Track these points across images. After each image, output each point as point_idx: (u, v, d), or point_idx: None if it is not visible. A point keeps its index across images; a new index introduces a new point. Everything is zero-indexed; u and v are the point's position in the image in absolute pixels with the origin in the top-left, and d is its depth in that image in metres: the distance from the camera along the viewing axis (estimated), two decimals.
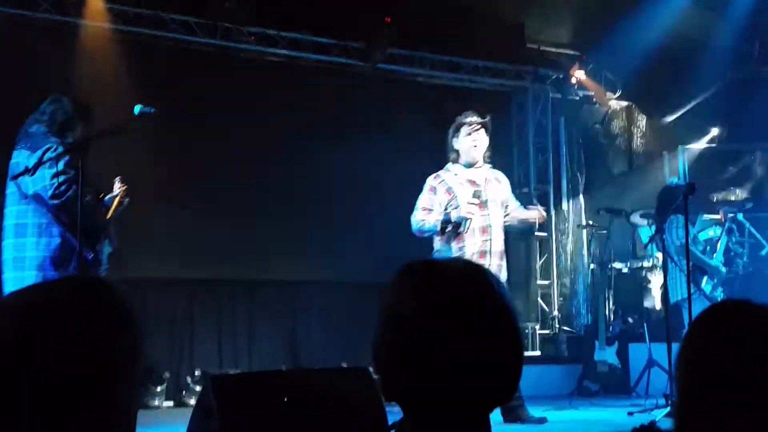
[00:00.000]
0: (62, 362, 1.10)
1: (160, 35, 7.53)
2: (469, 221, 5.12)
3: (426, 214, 5.18)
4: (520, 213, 5.44)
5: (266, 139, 7.69)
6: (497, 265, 5.17)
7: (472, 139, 5.25)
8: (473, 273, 1.31)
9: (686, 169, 8.96)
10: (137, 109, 4.75)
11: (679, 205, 5.99)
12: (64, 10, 7.16)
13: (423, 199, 5.24)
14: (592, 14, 8.09)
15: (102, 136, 4.59)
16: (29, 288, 1.23)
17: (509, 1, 7.92)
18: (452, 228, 5.13)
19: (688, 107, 8.65)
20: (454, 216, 5.10)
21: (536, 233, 9.22)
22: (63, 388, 1.10)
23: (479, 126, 5.27)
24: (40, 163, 4.41)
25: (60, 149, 4.47)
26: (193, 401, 5.93)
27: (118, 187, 4.78)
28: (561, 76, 9.33)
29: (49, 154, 4.44)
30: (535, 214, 5.37)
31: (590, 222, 9.23)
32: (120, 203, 4.75)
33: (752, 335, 1.26)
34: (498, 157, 5.47)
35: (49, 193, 4.40)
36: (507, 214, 5.39)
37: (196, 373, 7.12)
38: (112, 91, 6.08)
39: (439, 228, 5.14)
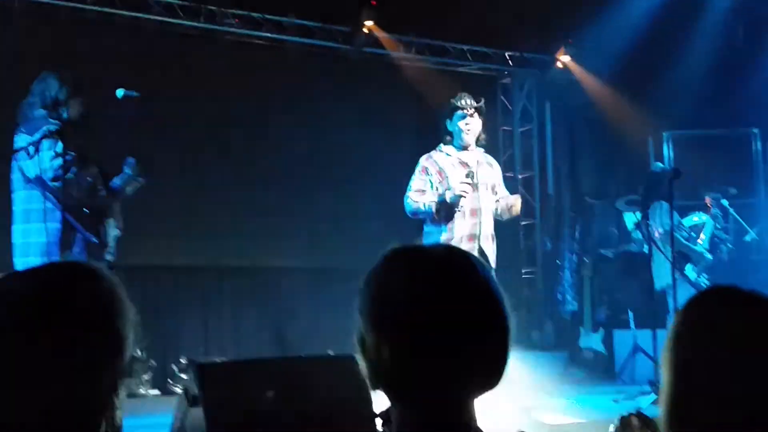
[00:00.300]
0: (49, 348, 1.10)
1: (143, 17, 7.45)
2: (476, 172, 5.11)
3: (420, 195, 5.15)
4: (503, 201, 5.40)
5: (250, 123, 7.63)
6: (488, 248, 5.16)
7: (465, 123, 5.23)
8: (457, 258, 1.30)
9: (671, 154, 8.98)
10: (120, 92, 4.77)
11: (664, 190, 6.02)
12: None
13: (416, 181, 5.20)
14: None
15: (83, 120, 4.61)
16: (15, 274, 1.21)
17: None
18: (447, 209, 5.10)
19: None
20: (448, 197, 5.08)
21: (521, 221, 9.24)
22: (50, 375, 1.09)
23: (473, 110, 5.25)
24: (38, 146, 4.46)
25: (54, 128, 4.50)
26: (179, 389, 5.91)
27: (130, 169, 4.76)
28: (546, 60, 9.33)
29: (42, 135, 4.47)
30: (512, 200, 5.34)
31: (576, 207, 9.25)
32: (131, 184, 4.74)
33: (740, 321, 1.25)
34: (484, 143, 5.43)
35: (49, 175, 4.41)
36: (496, 201, 5.38)
37: (182, 361, 7.09)
38: (96, 74, 6.00)
39: (434, 209, 5.10)
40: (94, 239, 4.58)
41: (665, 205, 6.42)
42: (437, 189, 5.14)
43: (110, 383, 1.15)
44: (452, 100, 5.29)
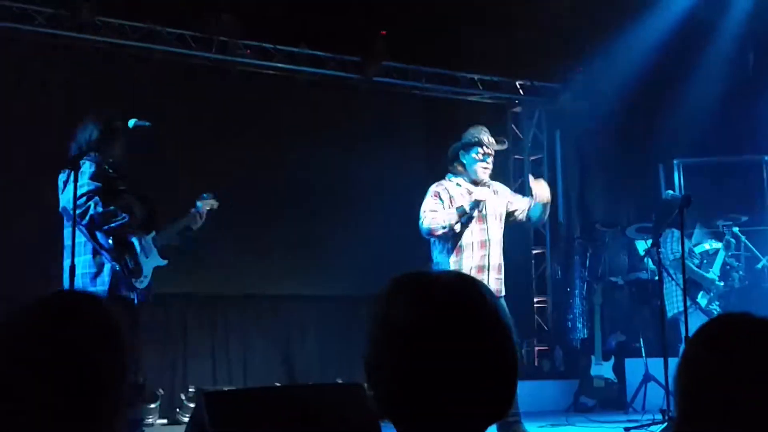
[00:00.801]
0: (45, 377, 1.10)
1: (155, 48, 7.53)
2: (484, 203, 5.08)
3: (435, 214, 5.13)
4: (524, 203, 5.36)
5: (261, 152, 7.67)
6: (495, 279, 5.14)
7: (485, 164, 5.18)
8: (465, 285, 1.28)
9: (682, 182, 8.96)
10: (131, 122, 4.84)
11: (675, 218, 5.99)
12: (57, 24, 7.15)
13: (429, 203, 5.17)
14: (588, 27, 8.10)
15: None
16: (16, 307, 1.22)
17: (505, 15, 7.92)
18: (469, 215, 5.06)
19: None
20: (467, 204, 5.06)
21: (532, 249, 9.21)
22: (47, 403, 1.10)
23: (493, 151, 5.21)
24: (66, 181, 4.63)
25: (87, 165, 4.66)
26: (186, 419, 5.88)
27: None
28: (557, 89, 9.35)
29: (69, 172, 4.61)
30: (537, 190, 5.22)
31: (586, 235, 9.21)
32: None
33: (753, 349, 1.24)
34: (493, 171, 5.41)
35: (72, 206, 4.52)
36: (515, 210, 5.33)
37: (190, 390, 7.07)
38: (109, 105, 6.07)
39: (455, 219, 5.05)
40: (118, 267, 4.65)
41: (676, 232, 6.39)
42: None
43: (110, 409, 1.15)
44: (473, 134, 5.19)
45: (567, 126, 9.70)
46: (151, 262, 4.84)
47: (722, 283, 6.39)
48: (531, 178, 5.33)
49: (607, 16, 7.95)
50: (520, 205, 5.38)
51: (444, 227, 5.06)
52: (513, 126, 9.68)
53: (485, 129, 5.26)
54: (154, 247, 4.87)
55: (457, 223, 5.05)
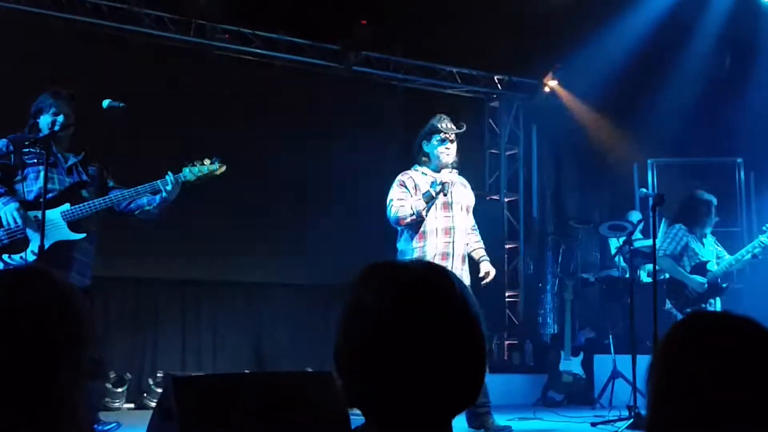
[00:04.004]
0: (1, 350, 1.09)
1: (133, 30, 7.45)
2: (450, 184, 5.13)
3: (402, 201, 5.17)
4: (477, 254, 5.39)
5: (236, 138, 7.60)
6: (459, 269, 5.16)
7: (445, 148, 5.25)
8: (434, 273, 1.28)
9: (655, 181, 9.03)
10: (106, 103, 4.79)
11: (690, 216, 6.15)
12: (35, 1, 7.05)
13: (395, 192, 5.23)
14: (565, 25, 8.12)
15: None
16: None
17: (485, 9, 7.92)
18: (434, 198, 5.11)
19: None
20: (432, 188, 5.12)
21: (506, 244, 9.25)
22: (3, 377, 1.09)
23: (453, 135, 5.27)
24: None
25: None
26: (154, 403, 5.84)
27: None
28: (534, 84, 9.38)
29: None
30: (486, 269, 5.31)
31: (560, 231, 9.27)
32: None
33: (730, 346, 1.23)
34: (469, 164, 5.47)
35: None
36: (468, 242, 5.37)
37: (158, 374, 7.02)
38: (84, 86, 5.99)
39: (422, 205, 5.09)
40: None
41: (675, 227, 6.46)
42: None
43: (70, 385, 1.14)
44: (432, 122, 5.31)
45: (544, 122, 9.74)
46: (49, 237, 4.55)
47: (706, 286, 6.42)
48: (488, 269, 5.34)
49: (586, 13, 7.97)
50: (473, 229, 5.43)
51: (412, 214, 5.11)
52: (490, 120, 9.70)
53: (444, 116, 5.36)
54: (64, 220, 4.62)
55: (424, 209, 5.10)
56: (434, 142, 5.27)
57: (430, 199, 5.11)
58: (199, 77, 7.64)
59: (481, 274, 5.31)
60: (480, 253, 5.39)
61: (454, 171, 5.32)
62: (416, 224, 5.16)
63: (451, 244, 5.16)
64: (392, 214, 5.16)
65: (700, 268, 6.38)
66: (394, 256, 5.19)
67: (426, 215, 5.12)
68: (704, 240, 6.45)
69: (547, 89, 9.34)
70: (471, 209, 5.41)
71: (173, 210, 5.06)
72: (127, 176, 5.10)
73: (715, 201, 6.52)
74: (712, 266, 6.34)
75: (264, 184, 7.74)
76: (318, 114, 8.11)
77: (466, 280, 5.24)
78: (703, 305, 6.28)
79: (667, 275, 6.53)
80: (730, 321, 1.28)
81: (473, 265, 5.35)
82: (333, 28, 8.09)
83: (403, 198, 5.17)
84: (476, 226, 5.46)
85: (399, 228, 5.26)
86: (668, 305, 6.43)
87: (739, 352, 1.23)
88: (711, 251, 6.46)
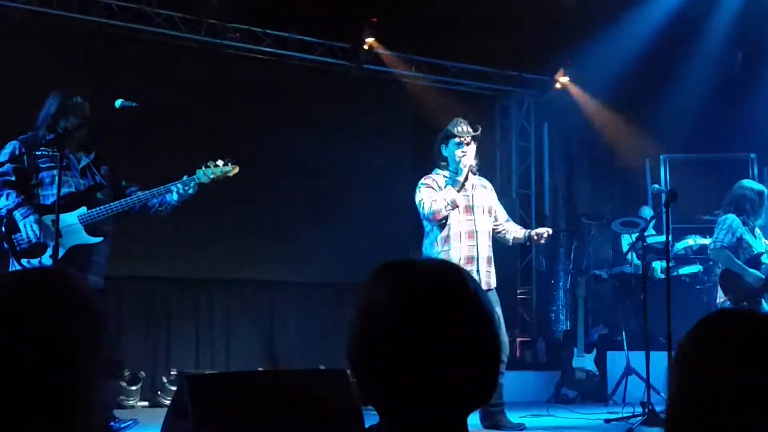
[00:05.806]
0: (14, 352, 1.10)
1: (144, 29, 7.47)
2: (465, 169, 5.22)
3: (434, 196, 5.24)
4: (515, 231, 5.45)
5: (248, 137, 7.62)
6: (485, 271, 5.20)
7: (461, 151, 5.29)
8: (447, 271, 1.28)
9: (668, 177, 8.99)
10: (118, 102, 4.80)
11: (740, 205, 5.94)
12: (45, 2, 7.08)
13: (425, 192, 5.29)
14: (576, 21, 8.09)
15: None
16: None
17: (495, 6, 7.90)
18: (463, 183, 5.21)
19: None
20: (454, 184, 5.20)
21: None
22: (18, 379, 1.10)
23: (469, 138, 5.30)
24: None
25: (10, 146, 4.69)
26: (168, 401, 5.86)
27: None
28: (545, 81, 9.35)
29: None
30: (536, 230, 5.41)
31: (572, 228, 9.23)
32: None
33: (754, 345, 1.23)
34: (481, 161, 5.49)
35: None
36: (498, 224, 5.44)
37: (172, 373, 7.05)
38: (96, 85, 6.02)
39: (453, 195, 5.17)
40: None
41: (730, 218, 6.09)
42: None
43: (86, 386, 1.15)
44: (448, 127, 5.38)
45: (555, 118, 9.71)
46: (67, 242, 4.57)
47: (706, 278, 6.33)
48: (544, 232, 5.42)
49: (597, 10, 7.94)
50: (501, 216, 5.49)
51: (447, 205, 5.17)
52: (502, 117, 9.68)
53: (460, 119, 5.40)
54: (81, 224, 4.62)
55: (455, 199, 5.16)
56: (451, 146, 5.33)
57: (459, 187, 5.19)
58: (210, 76, 7.66)
59: (534, 235, 5.36)
60: (522, 231, 5.47)
61: (474, 174, 5.39)
62: (440, 228, 5.22)
63: (475, 247, 5.21)
64: (428, 211, 5.21)
65: (754, 261, 5.98)
66: (406, 254, 5.20)
67: (456, 207, 5.18)
68: (755, 232, 6.14)
69: (558, 86, 9.31)
70: (494, 210, 5.45)
71: (186, 209, 5.09)
72: (139, 175, 5.12)
73: (766, 191, 6.15)
74: (766, 258, 5.98)
75: (276, 183, 7.75)
76: (328, 112, 8.11)
77: (493, 281, 5.28)
78: (760, 299, 6.00)
79: (718, 270, 6.22)
80: (755, 319, 1.27)
81: (520, 246, 5.41)
82: (343, 26, 8.10)
83: (432, 195, 5.23)
84: (509, 218, 5.56)
85: (427, 228, 5.32)
86: (720, 299, 6.07)
87: (764, 352, 1.22)
88: (763, 244, 6.07)
